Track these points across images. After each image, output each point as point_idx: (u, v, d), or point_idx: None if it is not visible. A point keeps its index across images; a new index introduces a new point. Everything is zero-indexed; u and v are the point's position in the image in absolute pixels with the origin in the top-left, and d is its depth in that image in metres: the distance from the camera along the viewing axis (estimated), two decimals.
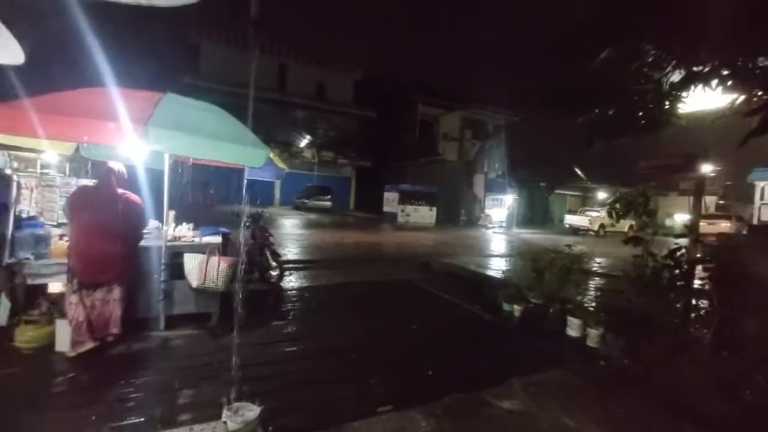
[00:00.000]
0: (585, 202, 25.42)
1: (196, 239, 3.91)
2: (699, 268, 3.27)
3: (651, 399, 2.71)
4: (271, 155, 3.55)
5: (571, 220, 19.76)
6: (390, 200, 19.34)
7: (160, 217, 3.73)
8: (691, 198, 3.64)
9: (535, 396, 2.75)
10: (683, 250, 3.29)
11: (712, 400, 2.59)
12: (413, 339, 3.87)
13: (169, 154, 3.45)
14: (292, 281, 5.91)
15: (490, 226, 18.77)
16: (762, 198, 9.43)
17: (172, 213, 3.93)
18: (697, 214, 3.45)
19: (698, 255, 3.24)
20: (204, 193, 15.46)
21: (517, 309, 4.38)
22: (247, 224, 5.40)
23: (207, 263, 3.39)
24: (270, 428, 2.18)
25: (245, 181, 2.70)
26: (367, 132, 23.72)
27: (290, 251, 8.27)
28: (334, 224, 15.92)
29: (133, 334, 3.25)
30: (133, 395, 2.49)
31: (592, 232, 18.06)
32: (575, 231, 18.60)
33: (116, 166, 3.16)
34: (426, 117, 24.23)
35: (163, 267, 3.44)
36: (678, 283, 3.24)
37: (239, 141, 2.82)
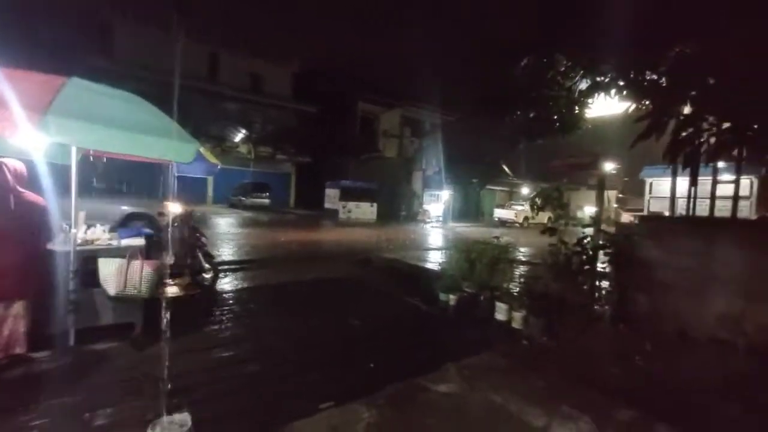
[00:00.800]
0: (512, 197, 27.50)
1: (114, 242, 3.55)
2: (602, 253, 3.77)
3: (565, 372, 3.07)
4: (202, 150, 3.34)
5: (499, 213, 21.47)
6: (331, 197, 19.17)
7: (68, 218, 3.31)
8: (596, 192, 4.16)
9: (468, 378, 2.96)
10: (589, 238, 3.76)
11: (611, 368, 3.01)
12: (354, 334, 3.92)
13: (76, 147, 3.07)
14: (227, 283, 5.62)
15: (428, 220, 19.56)
16: (650, 192, 11.08)
17: (82, 214, 3.51)
18: (600, 206, 3.96)
19: (600, 242, 3.74)
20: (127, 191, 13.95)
21: (452, 298, 4.65)
22: (176, 224, 5.02)
23: (128, 268, 3.09)
24: None
25: (172, 178, 2.52)
26: (307, 127, 23.14)
27: (226, 252, 7.84)
28: (273, 222, 15.37)
29: (41, 353, 2.86)
30: (37, 422, 2.18)
31: (517, 224, 19.76)
32: (503, 223, 20.19)
33: (11, 162, 2.74)
34: (366, 114, 24.32)
35: (72, 275, 3.05)
36: (585, 268, 3.70)
37: (163, 134, 2.61)
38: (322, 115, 23.41)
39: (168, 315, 2.17)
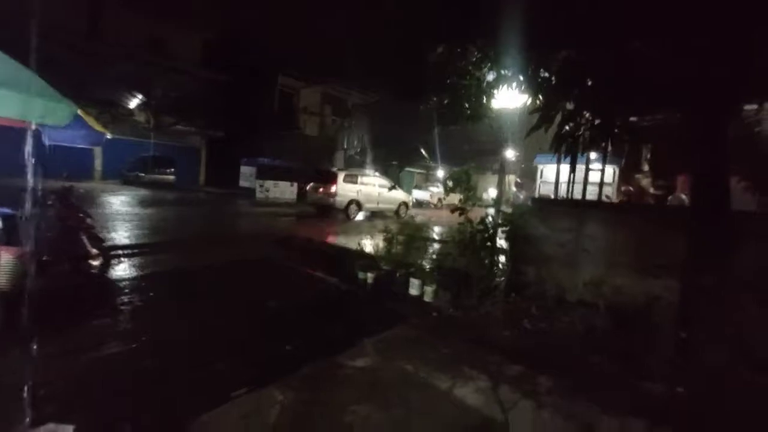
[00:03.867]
0: (429, 179, 28.97)
1: None
2: (500, 231, 4.23)
3: (467, 337, 3.43)
4: (82, 114, 2.84)
5: (416, 194, 22.54)
6: (247, 175, 17.96)
7: None
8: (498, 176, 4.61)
9: (383, 351, 3.13)
10: (490, 218, 4.19)
11: (504, 331, 3.45)
12: (270, 317, 3.82)
13: None
14: (123, 270, 4.98)
15: None
16: (541, 177, 12.70)
17: None
18: (501, 188, 4.40)
19: (500, 221, 4.18)
20: None
21: (369, 276, 4.80)
22: (50, 203, 4.25)
23: None
24: None
25: (35, 146, 2.09)
26: (220, 99, 21.01)
27: (121, 235, 6.89)
28: (180, 201, 13.91)
29: None
30: None
31: (432, 205, 21.03)
32: (420, 204, 21.27)
33: None
34: (286, 89, 22.99)
35: None
36: (486, 244, 4.13)
37: (23, 89, 2.14)
38: (238, 86, 21.47)
39: (43, 310, 1.85)
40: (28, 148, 2.01)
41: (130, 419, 2.13)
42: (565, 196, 4.24)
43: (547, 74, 3.76)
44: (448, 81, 4.60)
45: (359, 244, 5.70)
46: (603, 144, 3.63)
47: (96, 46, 16.77)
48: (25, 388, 1.82)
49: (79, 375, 2.50)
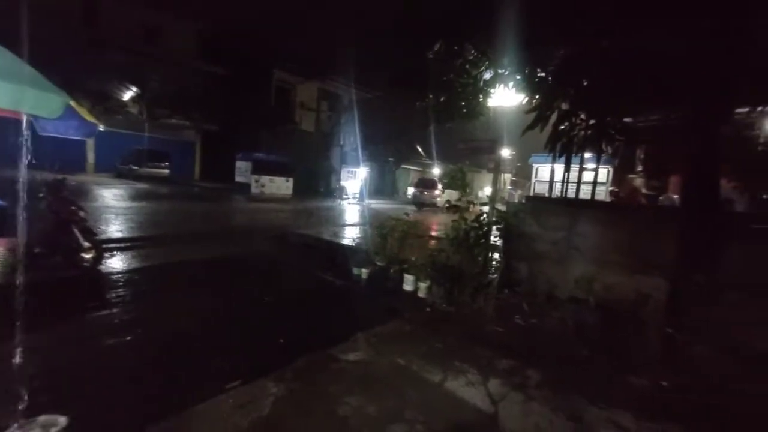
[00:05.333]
0: (424, 176, 29.04)
1: None
2: (495, 228, 4.27)
3: (459, 332, 3.47)
4: (74, 105, 2.82)
5: (412, 191, 22.52)
6: (243, 170, 17.85)
7: None
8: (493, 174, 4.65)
9: (376, 345, 3.16)
10: (485, 216, 4.23)
11: (495, 326, 3.50)
12: (265, 311, 3.84)
13: None
14: (117, 263, 4.96)
15: (345, 197, 19.59)
16: (536, 176, 12.80)
17: None
18: (495, 187, 4.44)
19: (494, 218, 4.23)
20: None
21: (364, 272, 4.83)
22: (42, 195, 4.22)
23: None
24: None
25: (29, 137, 2.07)
26: (215, 92, 20.78)
27: (115, 228, 6.84)
28: (175, 195, 13.81)
29: None
30: None
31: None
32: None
33: None
34: (282, 83, 22.83)
35: None
36: (480, 241, 4.17)
37: (14, 79, 2.12)
38: (234, 80, 21.29)
39: (35, 302, 1.85)
40: (21, 138, 2.00)
41: (122, 410, 2.15)
42: (559, 195, 4.29)
43: (543, 74, 3.80)
44: (446, 78, 4.63)
45: (354, 240, 5.72)
46: (597, 144, 3.68)
47: (90, 34, 16.52)
48: (16, 380, 1.82)
49: (72, 366, 2.51)
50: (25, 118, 2.15)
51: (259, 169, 17.42)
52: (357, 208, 16.29)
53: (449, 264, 4.11)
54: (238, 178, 18.03)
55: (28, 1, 1.85)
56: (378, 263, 4.89)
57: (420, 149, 26.36)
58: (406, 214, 5.15)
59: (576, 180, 4.01)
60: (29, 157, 1.98)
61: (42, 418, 1.77)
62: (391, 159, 25.89)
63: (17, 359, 1.82)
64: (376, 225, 5.11)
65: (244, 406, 2.25)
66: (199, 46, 21.31)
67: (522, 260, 3.91)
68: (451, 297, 3.97)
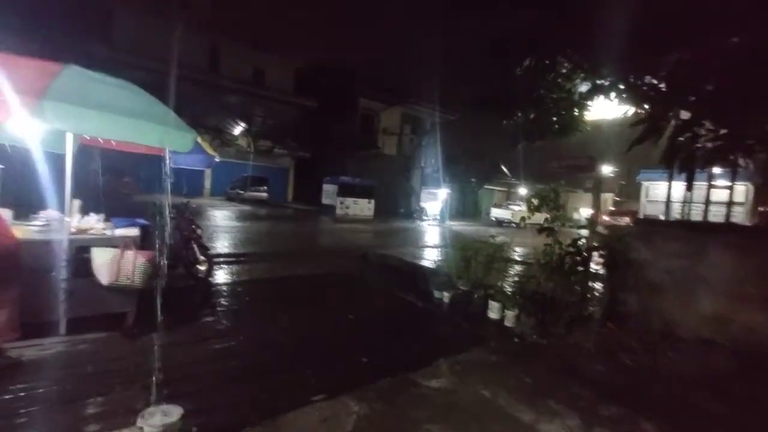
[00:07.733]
0: (509, 197, 27.59)
1: (108, 232, 3.53)
2: (595, 255, 3.80)
3: (553, 368, 3.11)
4: (200, 141, 3.33)
5: (496, 213, 21.53)
6: (329, 192, 19.13)
7: (62, 207, 3.30)
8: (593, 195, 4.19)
9: (459, 373, 2.99)
10: (583, 240, 3.80)
11: (597, 364, 3.05)
12: (349, 329, 3.94)
13: (73, 134, 3.06)
14: (223, 276, 5.63)
15: (425, 218, 19.58)
16: (647, 196, 11.12)
17: (76, 203, 3.50)
18: (596, 208, 3.99)
19: (594, 243, 3.77)
20: (119, 181, 13.87)
21: (446, 296, 4.68)
22: (172, 216, 5.02)
23: (121, 258, 3.09)
24: (194, 429, 2.08)
25: (167, 168, 2.50)
26: (307, 122, 23.03)
27: (222, 244, 7.83)
28: (271, 216, 15.35)
29: (28, 341, 2.80)
30: (25, 410, 2.15)
31: (514, 224, 19.81)
32: (500, 223, 20.25)
33: None
34: (367, 111, 24.23)
35: (64, 263, 3.02)
36: (578, 268, 3.74)
37: (160, 122, 2.59)
38: (323, 110, 23.31)
39: (162, 306, 2.17)
40: (164, 171, 2.42)
41: (224, 407, 2.36)
42: (679, 217, 3.67)
43: (654, 81, 3.36)
44: (535, 95, 4.40)
45: (435, 261, 5.62)
46: (731, 157, 3.08)
47: (212, 78, 19.70)
48: (148, 371, 2.13)
49: (187, 364, 2.84)
50: (167, 154, 2.61)
51: (344, 191, 18.46)
52: (437, 229, 16.12)
53: (540, 292, 3.76)
54: (325, 200, 19.33)
55: (176, 60, 2.25)
56: (461, 287, 4.71)
57: (505, 169, 25.28)
58: (492, 236, 4.90)
59: (703, 200, 3.38)
60: (168, 186, 2.37)
61: (163, 407, 2.02)
62: (473, 179, 25.26)
63: (151, 353, 2.13)
64: (459, 247, 4.95)
65: (327, 420, 2.29)
66: (294, 82, 23.86)
67: (630, 291, 3.38)
68: (543, 328, 3.61)
